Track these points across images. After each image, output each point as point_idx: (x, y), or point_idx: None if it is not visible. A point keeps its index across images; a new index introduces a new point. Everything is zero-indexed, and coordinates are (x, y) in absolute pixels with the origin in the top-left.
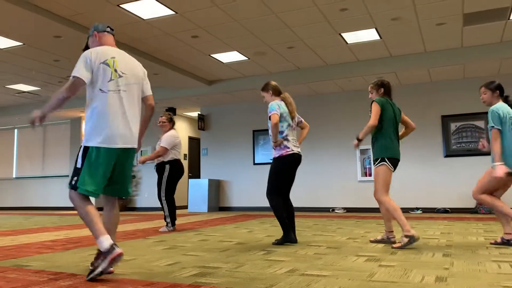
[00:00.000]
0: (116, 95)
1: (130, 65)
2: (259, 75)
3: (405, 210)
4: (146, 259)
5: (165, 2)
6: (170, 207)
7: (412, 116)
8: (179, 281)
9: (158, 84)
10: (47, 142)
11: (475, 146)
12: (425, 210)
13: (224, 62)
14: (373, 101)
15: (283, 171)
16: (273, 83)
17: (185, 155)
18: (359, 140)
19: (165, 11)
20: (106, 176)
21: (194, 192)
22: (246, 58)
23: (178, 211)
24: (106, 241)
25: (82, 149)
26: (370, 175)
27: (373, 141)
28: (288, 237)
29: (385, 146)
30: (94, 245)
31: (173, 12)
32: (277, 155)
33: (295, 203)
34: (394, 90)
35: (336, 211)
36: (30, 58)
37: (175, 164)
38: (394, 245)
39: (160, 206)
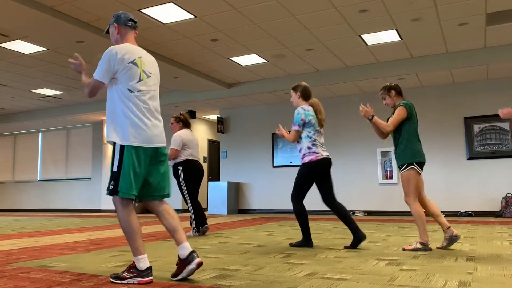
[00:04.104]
0: (145, 95)
1: (153, 64)
2: (278, 77)
3: (427, 214)
4: (167, 261)
5: (185, 7)
6: (195, 211)
7: (434, 118)
8: (198, 284)
9: (178, 87)
10: (70, 145)
11: (500, 148)
12: (448, 213)
13: (243, 65)
14: (401, 104)
15: (311, 178)
16: (305, 84)
17: (204, 157)
18: (370, 120)
19: (184, 15)
20: (143, 177)
21: (214, 195)
22: (265, 61)
23: None
24: (143, 261)
25: (118, 148)
26: (391, 178)
27: (399, 145)
28: (307, 243)
29: (414, 150)
30: (116, 247)
31: (193, 16)
32: (306, 161)
33: (315, 206)
34: (415, 92)
35: (357, 214)
36: (54, 63)
37: (188, 165)
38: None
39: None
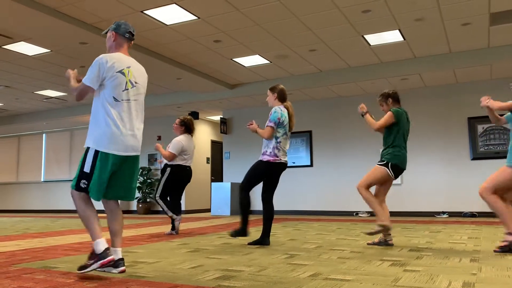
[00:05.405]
0: (128, 104)
1: (141, 74)
2: (281, 78)
3: (431, 214)
4: (170, 261)
5: (188, 8)
6: (167, 204)
7: (437, 118)
8: (202, 284)
9: (180, 88)
10: (74, 146)
11: (504, 149)
12: (452, 214)
13: (246, 65)
14: (390, 110)
15: (263, 175)
16: (282, 87)
17: (207, 158)
18: (363, 115)
19: (187, 17)
20: (106, 182)
21: (217, 196)
22: (268, 62)
23: (201, 214)
24: (100, 244)
25: (92, 153)
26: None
27: (385, 146)
28: (244, 232)
29: (394, 154)
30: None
31: (196, 17)
32: (265, 160)
33: (320, 207)
34: (418, 92)
35: (360, 215)
36: (58, 65)
37: (177, 170)
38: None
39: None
